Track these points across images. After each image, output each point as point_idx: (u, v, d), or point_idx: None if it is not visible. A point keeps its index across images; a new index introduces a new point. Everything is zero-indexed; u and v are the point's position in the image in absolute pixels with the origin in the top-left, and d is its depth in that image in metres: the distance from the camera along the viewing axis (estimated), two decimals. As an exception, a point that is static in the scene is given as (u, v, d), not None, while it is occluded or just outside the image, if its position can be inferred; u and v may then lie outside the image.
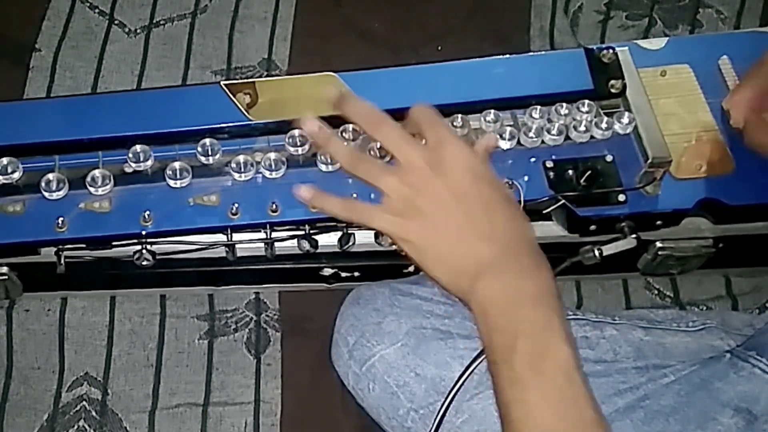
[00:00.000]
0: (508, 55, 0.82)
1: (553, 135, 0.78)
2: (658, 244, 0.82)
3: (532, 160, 0.78)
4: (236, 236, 0.76)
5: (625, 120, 0.78)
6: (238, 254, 0.78)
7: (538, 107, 0.79)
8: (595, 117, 0.79)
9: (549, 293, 0.58)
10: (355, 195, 0.73)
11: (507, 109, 0.79)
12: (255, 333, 0.89)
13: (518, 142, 0.78)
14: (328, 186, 0.68)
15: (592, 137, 0.78)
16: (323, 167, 0.76)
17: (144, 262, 0.76)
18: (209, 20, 1.10)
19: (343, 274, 0.86)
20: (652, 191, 0.77)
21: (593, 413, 0.54)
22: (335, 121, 0.76)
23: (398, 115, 0.77)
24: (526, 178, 0.77)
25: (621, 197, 0.77)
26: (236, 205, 0.75)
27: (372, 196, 0.67)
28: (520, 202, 0.76)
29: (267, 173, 0.76)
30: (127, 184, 0.76)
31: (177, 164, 0.75)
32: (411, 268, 0.83)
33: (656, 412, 0.68)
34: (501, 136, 0.78)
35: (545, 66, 0.83)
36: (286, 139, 0.76)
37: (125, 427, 0.84)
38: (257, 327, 0.90)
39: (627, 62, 0.81)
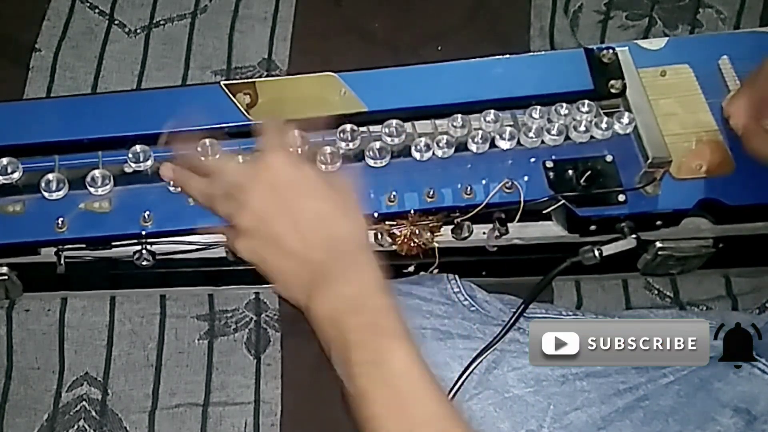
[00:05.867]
0: (508, 55, 0.82)
1: (553, 135, 0.78)
2: (658, 244, 0.82)
3: (532, 160, 0.78)
4: (236, 236, 0.76)
5: (625, 120, 0.78)
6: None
7: (538, 107, 0.79)
8: (595, 117, 0.79)
9: (372, 292, 0.56)
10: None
11: (507, 109, 0.79)
12: (255, 333, 0.89)
13: (518, 142, 0.78)
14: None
15: (592, 137, 0.78)
16: (322, 167, 0.76)
17: (144, 262, 0.76)
18: (209, 20, 1.10)
19: (343, 274, 0.86)
20: (652, 191, 0.77)
21: (441, 406, 0.53)
22: (334, 122, 0.77)
23: (398, 114, 0.77)
24: (526, 178, 0.77)
25: (621, 197, 0.77)
26: (236, 205, 0.75)
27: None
28: (520, 202, 0.76)
29: (267, 173, 0.76)
30: (127, 184, 0.76)
31: (177, 164, 0.75)
32: (411, 268, 0.83)
33: (656, 413, 0.68)
34: (501, 136, 0.78)
35: (545, 66, 0.83)
36: (286, 139, 0.76)
37: (125, 427, 0.84)
38: (257, 327, 0.90)
39: (627, 62, 0.81)
